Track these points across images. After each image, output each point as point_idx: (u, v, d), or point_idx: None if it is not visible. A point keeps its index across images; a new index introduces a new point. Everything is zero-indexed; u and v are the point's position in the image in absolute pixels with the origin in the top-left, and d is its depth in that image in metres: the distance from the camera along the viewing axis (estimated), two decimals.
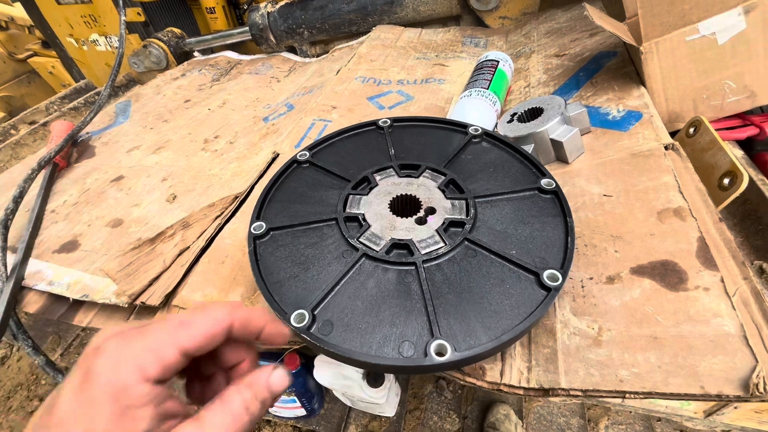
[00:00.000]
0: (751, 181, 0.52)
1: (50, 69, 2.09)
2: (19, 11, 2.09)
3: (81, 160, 0.89)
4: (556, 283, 0.37)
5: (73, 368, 0.23)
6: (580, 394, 0.35)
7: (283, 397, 0.93)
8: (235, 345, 0.29)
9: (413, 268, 0.41)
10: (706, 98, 0.58)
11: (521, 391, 0.37)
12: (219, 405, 0.25)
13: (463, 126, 0.57)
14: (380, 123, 0.58)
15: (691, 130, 0.56)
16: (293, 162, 0.55)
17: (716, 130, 0.56)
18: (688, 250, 0.39)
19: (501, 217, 0.45)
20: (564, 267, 0.39)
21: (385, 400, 0.85)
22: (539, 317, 0.36)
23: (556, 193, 0.46)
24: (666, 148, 0.50)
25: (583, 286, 0.41)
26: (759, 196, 0.50)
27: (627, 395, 0.33)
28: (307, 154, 0.55)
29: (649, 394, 0.32)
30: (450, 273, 0.41)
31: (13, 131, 1.23)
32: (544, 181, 0.47)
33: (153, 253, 0.54)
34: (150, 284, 0.51)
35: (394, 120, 0.59)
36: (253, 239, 0.45)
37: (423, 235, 0.42)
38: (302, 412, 1.03)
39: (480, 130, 0.55)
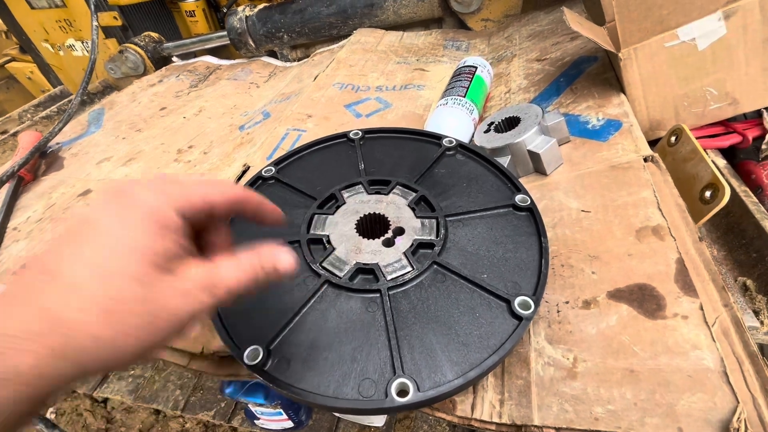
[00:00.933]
0: (734, 192, 0.50)
1: (29, 75, 2.03)
2: None
3: (48, 173, 0.86)
4: (527, 312, 0.35)
5: (101, 197, 0.25)
6: (553, 431, 0.33)
7: (269, 410, 0.91)
8: (220, 225, 0.31)
9: (378, 295, 0.39)
10: (687, 105, 0.56)
11: (493, 427, 0.35)
12: (229, 257, 0.26)
13: (438, 137, 0.54)
14: (351, 135, 0.56)
15: (673, 138, 0.54)
16: (258, 178, 0.52)
17: (699, 138, 0.54)
18: (666, 273, 0.37)
19: (473, 237, 0.43)
20: (537, 293, 0.37)
21: None
22: (509, 350, 0.34)
23: (531, 211, 0.44)
24: (645, 160, 0.48)
25: (558, 311, 0.39)
26: (742, 209, 0.48)
27: None
28: (273, 169, 0.53)
29: None
30: (417, 300, 0.38)
31: None
32: (518, 198, 0.45)
33: None
34: None
35: (366, 132, 0.57)
36: None
37: (390, 258, 0.40)
38: (289, 424, 1.00)
39: (454, 142, 0.53)
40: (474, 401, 0.37)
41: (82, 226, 0.23)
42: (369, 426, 1.15)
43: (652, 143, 0.56)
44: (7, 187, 0.78)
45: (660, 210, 0.42)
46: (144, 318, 0.22)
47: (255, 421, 1.02)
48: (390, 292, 0.39)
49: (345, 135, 0.57)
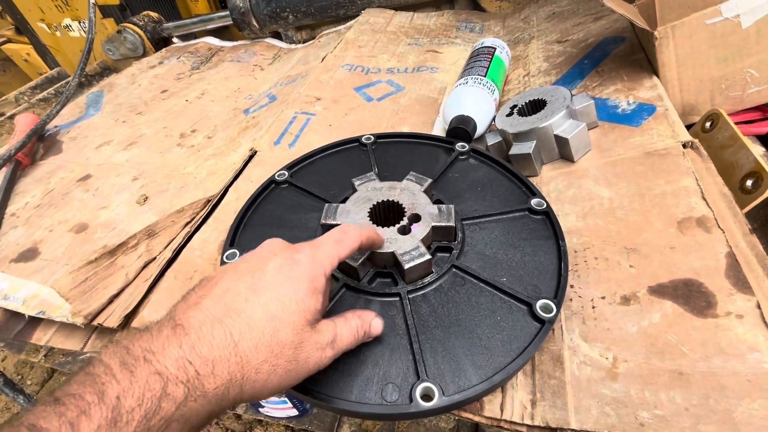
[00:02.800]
0: None
1: (25, 56, 1.98)
2: None
3: (47, 157, 0.83)
4: (549, 315, 0.35)
5: (270, 253, 0.30)
6: None
7: (274, 398, 0.90)
8: None
9: (397, 299, 0.37)
10: (725, 89, 0.52)
11: (524, 429, 0.33)
12: (344, 321, 0.32)
13: (450, 142, 0.54)
14: (363, 140, 0.56)
15: (708, 124, 0.51)
16: (271, 182, 0.52)
17: (736, 123, 0.50)
18: (715, 268, 0.34)
19: (490, 240, 0.42)
20: (558, 296, 0.36)
21: None
22: (533, 353, 0.33)
23: (547, 214, 0.43)
24: (684, 146, 0.45)
25: (594, 307, 0.37)
26: None
27: None
28: (286, 173, 0.53)
29: None
30: (437, 304, 0.37)
31: None
32: (534, 201, 0.44)
33: (113, 267, 0.49)
34: (110, 302, 0.46)
35: (378, 136, 0.57)
36: None
37: (407, 246, 0.37)
38: (294, 412, 0.99)
39: (467, 147, 0.53)
40: (503, 401, 0.34)
41: (257, 274, 0.28)
42: None
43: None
44: (4, 172, 0.75)
45: (704, 199, 0.39)
46: (291, 363, 0.27)
47: (259, 409, 1.00)
48: (410, 296, 0.38)
49: (357, 140, 0.57)
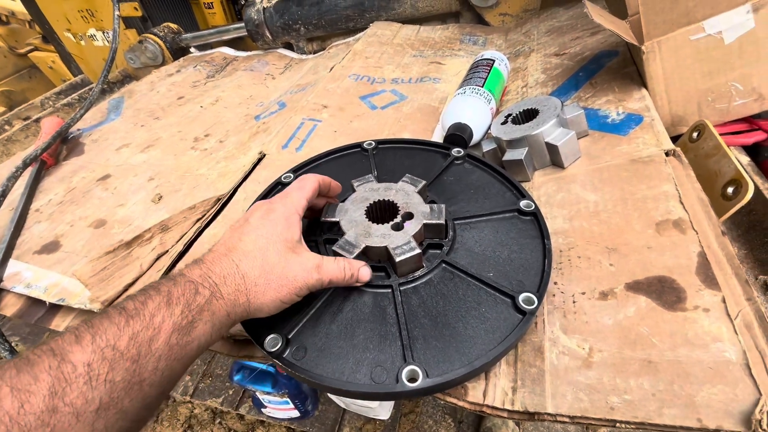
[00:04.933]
0: (757, 190, 0.49)
1: (50, 64, 2.08)
2: (19, 6, 2.08)
3: (70, 158, 0.88)
4: (531, 307, 0.37)
5: (253, 210, 0.39)
6: (567, 420, 0.32)
7: (277, 399, 0.92)
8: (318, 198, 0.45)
9: (389, 291, 0.40)
10: (711, 101, 0.55)
11: (505, 414, 0.35)
12: (332, 259, 0.38)
13: (446, 148, 0.57)
14: (365, 145, 0.59)
15: (695, 134, 0.53)
16: (277, 184, 0.55)
17: (721, 134, 0.53)
18: (687, 266, 0.36)
19: (480, 239, 0.45)
20: (540, 290, 0.38)
21: (379, 403, 0.83)
22: (513, 342, 0.36)
23: (536, 215, 0.45)
24: (667, 154, 0.47)
25: (574, 302, 0.39)
26: (765, 207, 0.47)
27: (618, 424, 0.31)
28: (292, 176, 0.56)
29: (641, 425, 0.30)
30: (426, 296, 0.40)
31: (6, 126, 1.22)
32: (523, 203, 0.46)
33: (129, 258, 0.52)
34: (125, 290, 0.49)
35: (379, 142, 0.60)
36: None
37: (399, 241, 0.40)
38: (296, 413, 1.01)
39: (462, 153, 0.56)
40: (486, 388, 0.37)
41: (245, 225, 0.37)
42: (374, 419, 1.16)
43: (673, 140, 0.55)
44: (30, 171, 0.80)
45: (682, 203, 0.41)
46: (281, 279, 0.34)
47: (262, 410, 1.03)
48: (401, 288, 0.41)
49: (359, 145, 0.60)
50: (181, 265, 0.51)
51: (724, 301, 0.33)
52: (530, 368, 0.36)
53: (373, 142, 0.60)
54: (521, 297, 0.38)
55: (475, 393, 0.36)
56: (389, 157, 0.59)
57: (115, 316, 0.27)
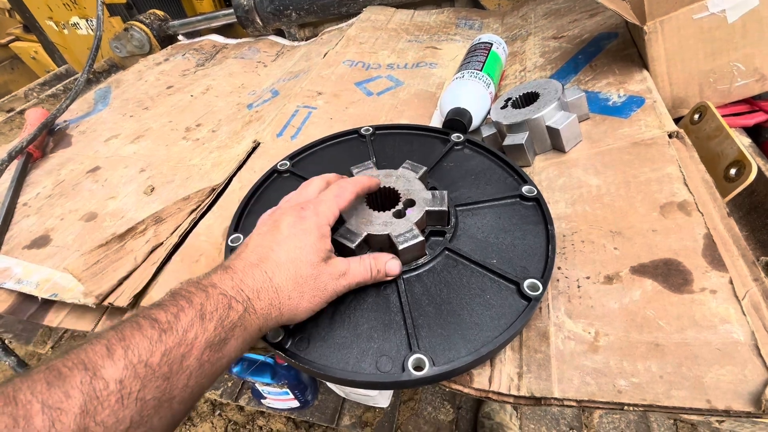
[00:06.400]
0: (759, 171, 0.48)
1: (33, 54, 2.01)
2: None
3: (56, 150, 0.85)
4: (536, 293, 0.36)
5: (283, 214, 0.37)
6: (574, 404, 0.32)
7: (276, 389, 0.92)
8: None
9: (392, 279, 0.40)
10: (713, 82, 0.54)
11: (511, 399, 0.35)
12: (358, 260, 0.37)
13: (446, 133, 0.56)
14: (363, 131, 0.58)
15: (696, 116, 0.52)
16: (273, 171, 0.54)
17: (723, 116, 0.52)
18: (693, 248, 0.36)
19: (482, 225, 0.44)
20: (544, 276, 0.38)
21: (378, 392, 0.83)
22: (519, 328, 0.35)
23: (538, 201, 0.45)
24: (670, 136, 0.47)
25: (579, 286, 0.39)
26: (767, 188, 0.47)
27: (626, 407, 0.30)
28: (288, 163, 0.55)
29: (649, 407, 0.29)
30: (430, 284, 0.39)
31: None
32: (525, 188, 0.46)
33: (122, 251, 0.51)
34: (119, 284, 0.48)
35: (377, 128, 0.59)
36: (230, 251, 0.44)
37: (401, 229, 0.39)
38: (295, 403, 1.01)
39: (462, 138, 0.55)
40: (491, 374, 0.36)
41: (275, 232, 0.35)
42: (374, 407, 1.16)
43: (675, 122, 0.54)
44: (16, 164, 0.78)
45: (686, 185, 0.41)
46: (314, 290, 0.34)
47: (261, 401, 1.02)
48: (404, 276, 0.40)
49: (357, 131, 0.59)
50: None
51: (731, 282, 0.33)
52: (536, 354, 0.36)
53: (370, 128, 0.58)
54: (526, 283, 0.37)
55: (480, 380, 0.36)
56: (388, 143, 0.57)
57: (147, 328, 0.26)
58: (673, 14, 0.51)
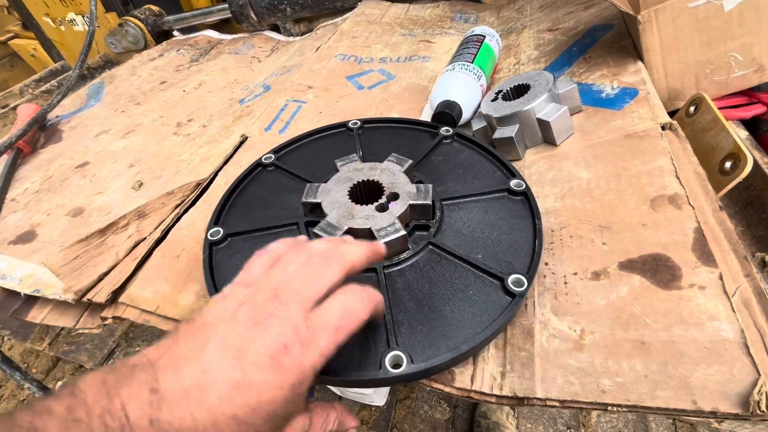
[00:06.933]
0: (756, 164, 0.47)
1: (32, 51, 2.01)
2: None
3: (47, 146, 0.85)
4: (520, 289, 0.35)
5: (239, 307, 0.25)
6: (557, 404, 0.31)
7: None
8: None
9: (374, 274, 0.38)
10: (709, 73, 0.52)
11: (493, 399, 0.34)
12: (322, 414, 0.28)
13: (435, 127, 0.55)
14: (350, 125, 0.57)
15: (692, 108, 0.51)
16: (257, 165, 0.53)
17: (719, 108, 0.51)
18: (683, 243, 0.35)
19: (468, 220, 0.43)
20: (530, 272, 0.37)
21: (374, 390, 0.82)
22: (502, 325, 0.34)
23: (526, 195, 0.44)
24: (663, 128, 0.45)
25: (566, 283, 0.37)
26: (763, 182, 0.45)
27: (609, 407, 0.29)
28: (273, 156, 0.54)
29: (633, 408, 0.28)
30: (412, 279, 0.38)
31: None
32: (513, 182, 0.45)
33: (103, 246, 0.50)
34: (100, 279, 0.47)
35: (365, 121, 0.58)
36: (209, 245, 0.43)
37: (383, 223, 0.38)
38: None
39: (451, 131, 0.53)
40: (474, 373, 0.35)
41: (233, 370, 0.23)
42: (370, 405, 1.16)
43: (670, 115, 0.53)
44: (5, 159, 0.77)
45: (678, 178, 0.39)
46: None
47: None
48: (386, 271, 0.39)
49: (344, 125, 0.58)
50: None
51: (721, 277, 0.31)
52: (520, 352, 0.35)
53: (358, 122, 0.57)
54: (510, 279, 0.36)
55: (462, 378, 0.35)
56: (375, 136, 0.56)
57: None
58: (668, 3, 0.49)
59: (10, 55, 2.19)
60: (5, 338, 1.57)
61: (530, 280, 0.36)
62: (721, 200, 0.47)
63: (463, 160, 0.50)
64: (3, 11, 2.11)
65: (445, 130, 0.53)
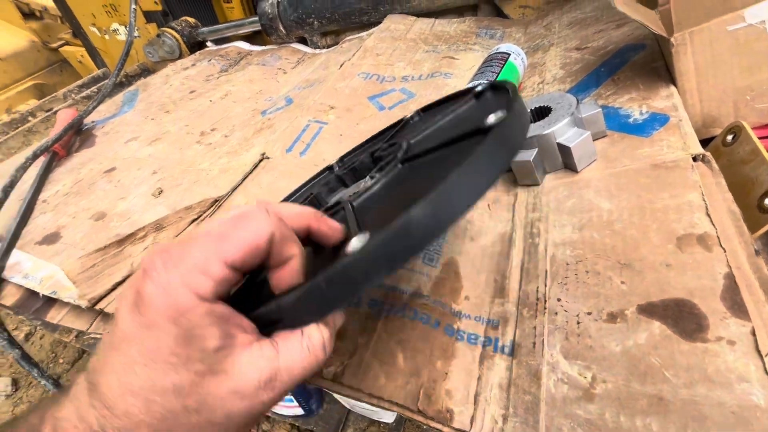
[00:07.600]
0: None
1: (79, 58, 2.14)
2: (51, 1, 2.16)
3: (81, 150, 0.89)
4: (496, 118, 0.27)
5: (125, 287, 0.22)
6: None
7: None
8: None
9: (341, 210, 0.33)
10: (750, 100, 0.49)
11: None
12: (298, 336, 0.23)
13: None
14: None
15: (729, 137, 0.47)
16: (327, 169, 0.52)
17: (760, 138, 0.47)
18: (711, 289, 0.32)
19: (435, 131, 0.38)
20: (508, 104, 0.28)
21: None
22: (477, 167, 0.23)
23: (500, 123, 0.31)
24: (695, 159, 0.42)
25: (578, 322, 0.35)
26: None
27: None
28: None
29: None
30: (384, 195, 0.32)
31: (30, 118, 1.25)
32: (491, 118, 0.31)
33: (120, 255, 0.51)
34: (113, 288, 0.48)
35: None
36: None
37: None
38: (300, 411, 1.01)
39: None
40: (474, 414, 0.33)
41: (113, 332, 0.22)
42: (379, 421, 1.14)
43: (705, 143, 0.49)
44: (41, 161, 0.82)
45: (708, 216, 0.36)
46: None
47: None
48: (354, 202, 0.33)
49: (331, 168, 0.52)
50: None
51: (753, 333, 0.28)
52: (525, 395, 0.33)
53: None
54: (489, 118, 0.27)
55: (461, 419, 0.33)
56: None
57: None
58: (705, 25, 0.46)
59: (60, 61, 2.34)
60: (37, 328, 1.66)
61: (509, 109, 0.27)
62: (760, 239, 0.43)
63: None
64: (56, 20, 2.26)
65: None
